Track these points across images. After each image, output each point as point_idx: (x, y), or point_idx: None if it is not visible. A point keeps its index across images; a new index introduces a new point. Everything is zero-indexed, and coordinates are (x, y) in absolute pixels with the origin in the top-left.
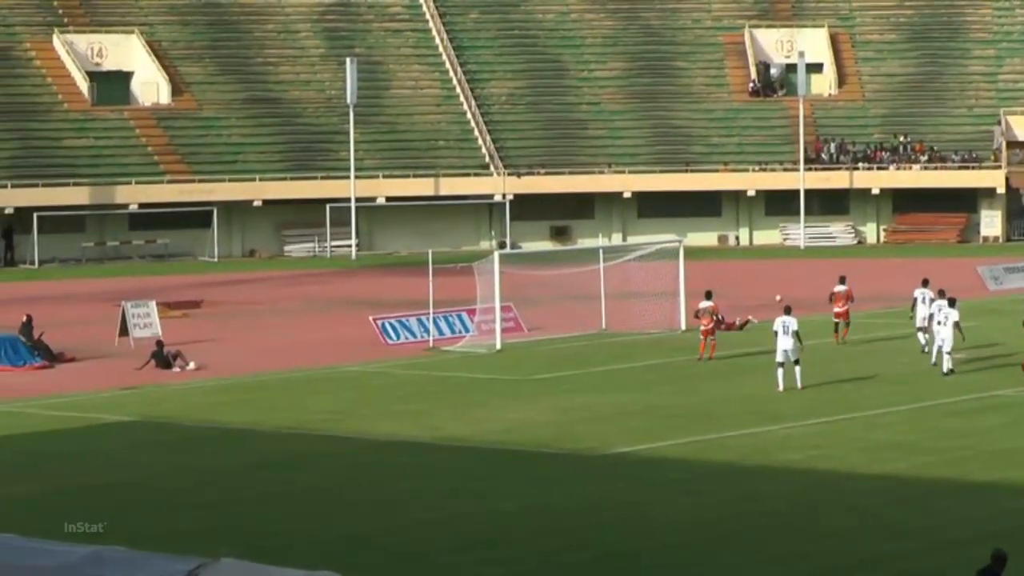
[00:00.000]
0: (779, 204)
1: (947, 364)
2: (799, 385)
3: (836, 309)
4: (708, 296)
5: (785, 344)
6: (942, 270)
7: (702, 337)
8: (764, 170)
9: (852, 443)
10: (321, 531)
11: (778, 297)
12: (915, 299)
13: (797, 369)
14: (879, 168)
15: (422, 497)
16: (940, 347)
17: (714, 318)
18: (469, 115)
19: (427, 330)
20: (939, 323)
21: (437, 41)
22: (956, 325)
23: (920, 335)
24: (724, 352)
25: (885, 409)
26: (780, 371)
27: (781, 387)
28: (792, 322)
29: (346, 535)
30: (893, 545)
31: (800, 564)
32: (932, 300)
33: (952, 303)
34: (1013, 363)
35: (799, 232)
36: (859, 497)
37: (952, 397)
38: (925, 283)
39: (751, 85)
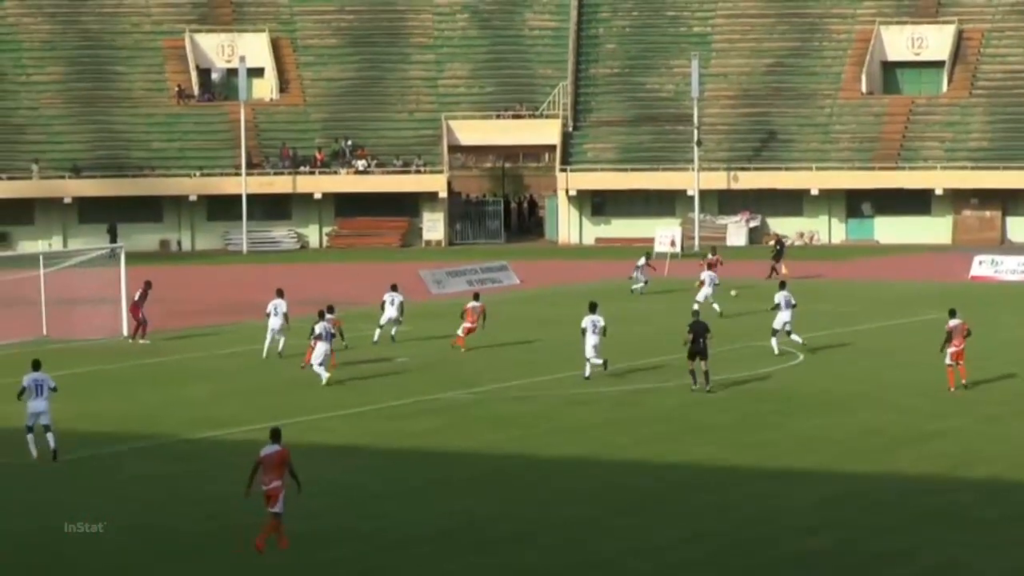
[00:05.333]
0: (221, 209)
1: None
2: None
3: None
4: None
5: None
6: (386, 274)
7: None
8: (206, 175)
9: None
10: None
11: None
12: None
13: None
14: (321, 173)
15: None
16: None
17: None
18: None
19: None
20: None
21: None
22: (603, 331)
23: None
24: (161, 359)
25: (326, 414)
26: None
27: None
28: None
29: None
30: (328, 553)
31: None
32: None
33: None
34: (450, 365)
35: (241, 237)
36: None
37: (392, 401)
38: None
39: (192, 90)
